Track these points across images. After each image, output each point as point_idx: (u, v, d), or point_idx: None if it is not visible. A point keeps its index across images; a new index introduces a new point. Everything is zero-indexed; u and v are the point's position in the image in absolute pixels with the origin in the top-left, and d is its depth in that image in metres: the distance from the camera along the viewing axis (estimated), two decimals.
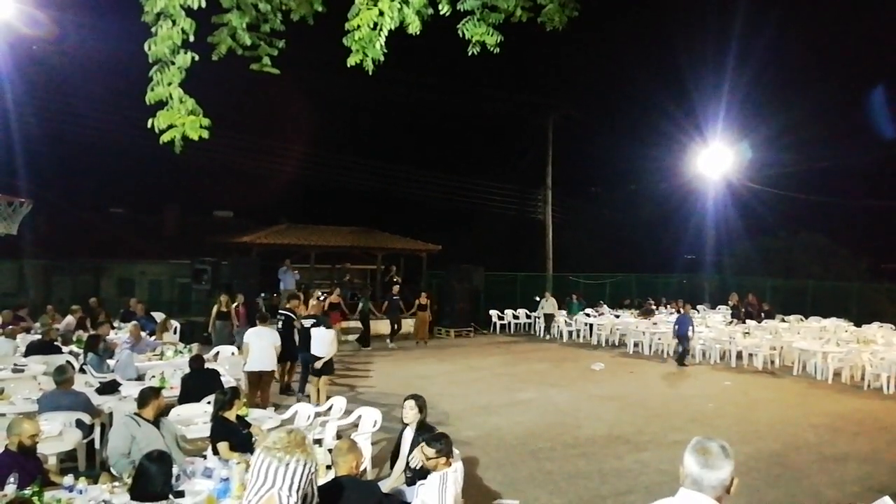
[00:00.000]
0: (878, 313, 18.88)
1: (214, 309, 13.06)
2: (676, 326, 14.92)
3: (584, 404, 10.65)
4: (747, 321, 17.31)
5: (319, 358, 9.63)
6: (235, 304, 13.10)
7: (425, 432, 5.27)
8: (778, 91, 34.58)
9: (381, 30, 3.59)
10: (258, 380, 9.22)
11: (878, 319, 17.71)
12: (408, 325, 18.26)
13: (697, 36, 42.18)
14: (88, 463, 6.38)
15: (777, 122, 28.78)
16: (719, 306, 22.09)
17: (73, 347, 10.38)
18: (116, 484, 4.57)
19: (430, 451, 4.64)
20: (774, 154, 27.77)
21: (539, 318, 20.21)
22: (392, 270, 20.67)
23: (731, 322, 17.56)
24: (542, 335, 19.59)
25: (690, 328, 14.75)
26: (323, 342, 9.70)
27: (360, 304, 17.00)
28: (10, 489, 4.15)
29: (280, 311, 11.62)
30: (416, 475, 5.15)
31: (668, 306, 21.35)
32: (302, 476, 3.70)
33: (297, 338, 10.79)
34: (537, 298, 22.51)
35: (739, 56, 31.32)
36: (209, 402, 6.40)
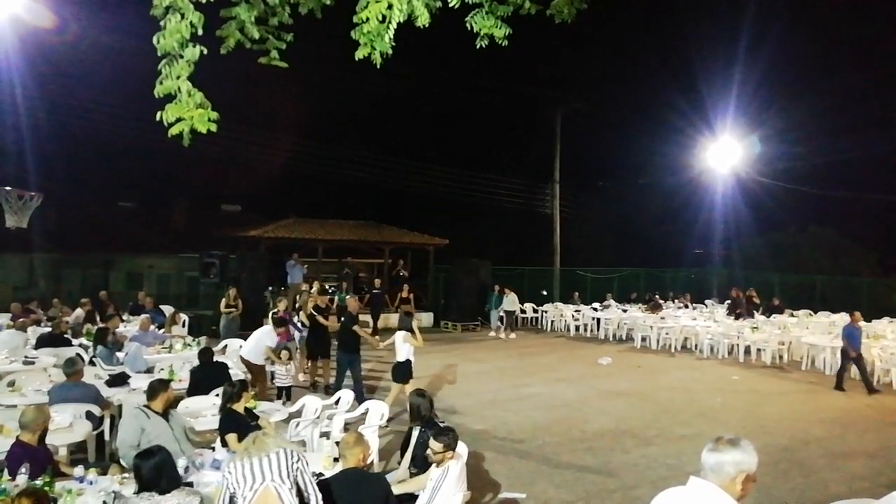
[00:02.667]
0: (887, 308, 18.73)
1: (223, 302, 13.12)
2: (847, 340, 11.70)
3: (591, 399, 10.64)
4: (733, 316, 17.42)
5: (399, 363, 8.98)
6: (276, 310, 11.66)
7: (432, 427, 5.28)
8: (788, 84, 34.31)
9: (389, 23, 3.57)
10: (248, 368, 9.34)
11: (887, 315, 17.58)
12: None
13: (707, 29, 41.77)
14: (98, 454, 6.43)
15: (787, 116, 28.55)
16: (727, 301, 22.01)
17: (83, 340, 10.47)
18: (126, 475, 4.60)
19: (437, 446, 4.65)
20: (784, 148, 27.57)
21: (502, 314, 18.60)
22: (399, 264, 20.69)
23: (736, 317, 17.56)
24: (498, 331, 18.39)
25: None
26: (398, 345, 9.05)
27: (337, 299, 16.07)
28: (22, 479, 4.19)
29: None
30: (421, 471, 5.17)
31: (676, 301, 21.31)
32: (288, 463, 3.72)
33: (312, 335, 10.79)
34: (544, 293, 22.50)
35: (749, 49, 31.02)
36: (217, 395, 6.44)
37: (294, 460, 3.73)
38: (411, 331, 9.06)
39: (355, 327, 9.68)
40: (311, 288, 14.18)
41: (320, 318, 10.84)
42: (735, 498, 2.37)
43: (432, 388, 10.42)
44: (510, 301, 18.48)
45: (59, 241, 21.37)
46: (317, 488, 3.82)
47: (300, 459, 3.78)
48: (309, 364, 11.13)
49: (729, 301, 19.26)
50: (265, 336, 9.50)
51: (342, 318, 10.14)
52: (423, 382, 10.82)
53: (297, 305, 13.09)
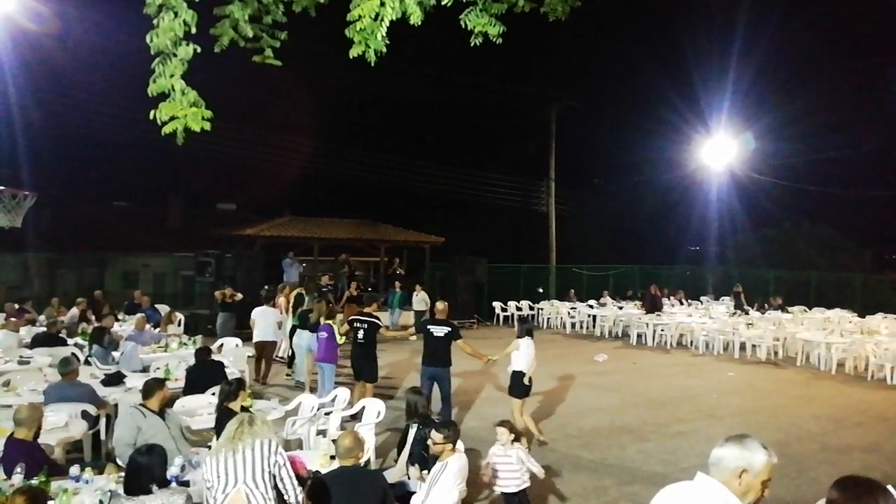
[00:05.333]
0: (881, 304, 18.84)
1: (219, 295, 13.05)
2: None
3: (588, 395, 10.67)
4: (652, 312, 17.32)
5: (520, 374, 7.70)
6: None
7: (428, 424, 5.30)
8: (782, 80, 34.45)
9: (382, 20, 3.57)
10: (262, 349, 11.02)
11: (881, 310, 17.67)
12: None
13: (701, 25, 41.92)
14: (94, 453, 6.42)
15: (781, 112, 28.71)
16: (723, 297, 22.10)
17: (78, 339, 10.43)
18: (122, 474, 4.60)
19: (438, 436, 4.70)
20: (778, 144, 27.70)
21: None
22: (395, 262, 20.68)
23: (734, 313, 17.61)
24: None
25: None
26: (523, 355, 7.76)
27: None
28: (18, 479, 4.18)
29: (359, 318, 9.12)
30: (419, 468, 5.19)
31: (671, 297, 21.34)
32: (264, 460, 3.63)
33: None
34: (540, 290, 22.52)
35: (744, 45, 31.16)
36: (213, 394, 6.44)
37: (271, 452, 3.66)
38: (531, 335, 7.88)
39: (461, 342, 8.26)
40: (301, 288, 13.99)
41: (391, 331, 9.25)
42: (738, 495, 2.37)
43: (463, 390, 10.41)
44: (419, 300, 17.66)
45: (53, 240, 21.31)
46: (296, 482, 3.77)
47: (278, 451, 3.71)
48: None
49: (645, 297, 18.96)
50: (270, 314, 11.18)
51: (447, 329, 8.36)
52: (417, 380, 10.81)
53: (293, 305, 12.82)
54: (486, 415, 9.18)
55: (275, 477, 3.66)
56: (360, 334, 8.89)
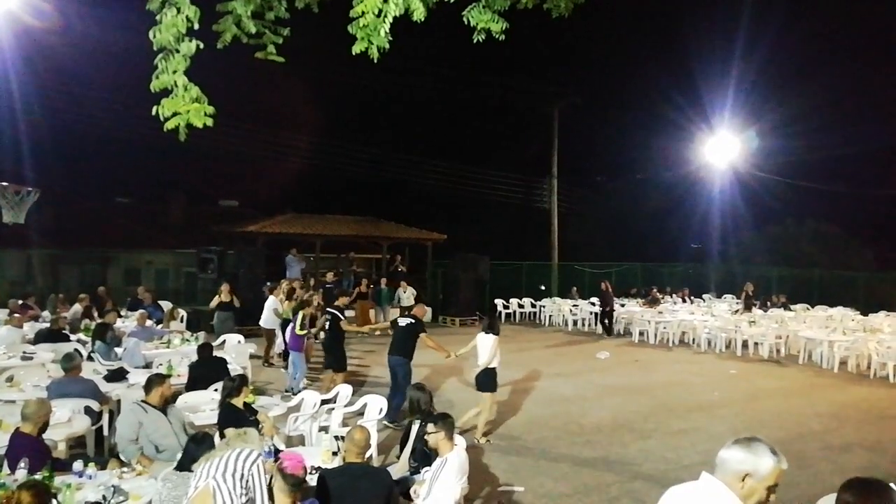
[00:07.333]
0: (884, 302, 18.79)
1: (214, 300, 12.84)
2: None
3: (589, 393, 10.67)
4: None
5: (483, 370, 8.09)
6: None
7: (430, 422, 5.31)
8: (786, 78, 34.37)
9: (385, 17, 3.57)
10: (266, 333, 12.34)
11: (884, 308, 17.63)
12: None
13: (705, 22, 41.83)
14: (97, 449, 6.44)
15: (785, 110, 28.64)
16: (725, 295, 22.09)
17: (81, 335, 10.46)
18: (125, 469, 4.63)
19: (431, 427, 4.75)
20: (782, 142, 27.62)
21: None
22: (397, 259, 20.69)
23: (735, 311, 17.60)
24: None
25: None
26: (485, 348, 8.15)
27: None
28: (21, 474, 4.20)
29: (329, 311, 9.87)
30: (421, 465, 5.20)
31: (674, 295, 21.34)
32: (237, 461, 3.65)
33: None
34: (542, 287, 22.52)
35: (747, 43, 31.06)
36: (216, 390, 6.46)
37: (249, 459, 3.68)
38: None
39: (424, 336, 8.73)
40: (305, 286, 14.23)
41: (349, 325, 9.98)
42: (741, 498, 2.35)
43: (430, 381, 10.43)
44: (408, 296, 17.74)
45: (56, 236, 21.32)
46: (265, 491, 3.76)
47: (256, 461, 3.73)
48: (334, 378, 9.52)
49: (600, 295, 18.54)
50: (273, 303, 12.12)
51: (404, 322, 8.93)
52: (421, 376, 10.83)
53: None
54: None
55: (248, 482, 3.65)
56: (327, 326, 9.62)
